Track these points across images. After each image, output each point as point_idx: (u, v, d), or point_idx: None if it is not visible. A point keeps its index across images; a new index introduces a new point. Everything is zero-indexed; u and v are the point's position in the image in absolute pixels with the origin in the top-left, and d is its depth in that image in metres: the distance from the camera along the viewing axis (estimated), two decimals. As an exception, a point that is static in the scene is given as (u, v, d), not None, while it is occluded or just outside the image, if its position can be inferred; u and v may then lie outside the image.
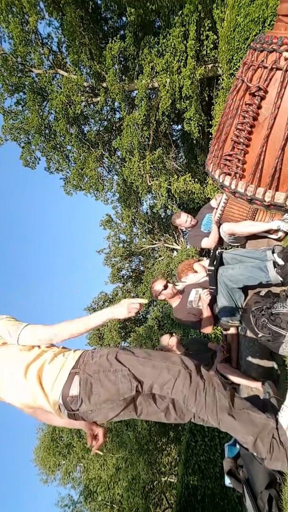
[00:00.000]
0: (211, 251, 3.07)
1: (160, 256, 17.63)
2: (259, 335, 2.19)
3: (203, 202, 10.48)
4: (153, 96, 10.74)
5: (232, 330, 3.05)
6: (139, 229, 17.56)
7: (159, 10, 9.02)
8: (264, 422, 1.55)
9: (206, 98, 10.31)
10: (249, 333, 2.68)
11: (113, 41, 9.26)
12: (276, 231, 2.89)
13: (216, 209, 3.27)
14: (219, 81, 8.50)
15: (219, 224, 3.30)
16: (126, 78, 10.16)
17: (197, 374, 1.60)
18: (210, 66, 9.29)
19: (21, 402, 1.62)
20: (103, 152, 12.72)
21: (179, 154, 14.98)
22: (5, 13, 9.34)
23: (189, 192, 10.71)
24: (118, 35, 9.91)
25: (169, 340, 3.23)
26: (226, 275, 2.73)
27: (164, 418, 1.72)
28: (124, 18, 10.56)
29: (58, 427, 13.46)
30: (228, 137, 1.17)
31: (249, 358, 2.80)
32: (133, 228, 17.21)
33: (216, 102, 8.00)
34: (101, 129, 12.76)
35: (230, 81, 5.72)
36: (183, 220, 3.73)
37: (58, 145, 12.41)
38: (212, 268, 2.81)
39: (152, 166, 10.61)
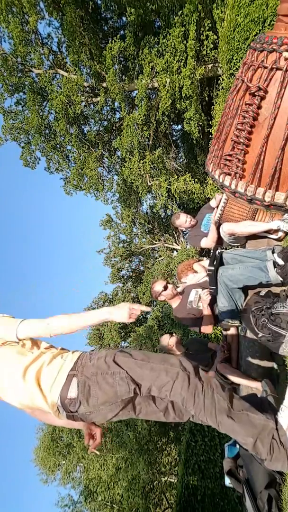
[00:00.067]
0: (211, 251, 3.07)
1: (160, 256, 17.63)
2: (259, 335, 2.19)
3: (203, 202, 10.47)
4: (153, 96, 10.74)
5: (232, 330, 3.05)
6: (139, 229, 17.57)
7: (159, 10, 9.01)
8: (264, 423, 1.55)
9: (206, 98, 10.31)
10: (249, 333, 2.68)
11: (113, 41, 9.26)
12: (276, 231, 2.89)
13: (216, 208, 3.27)
14: (219, 81, 8.51)
15: (219, 224, 3.30)
16: (126, 78, 10.16)
17: (195, 376, 1.59)
18: (210, 66, 9.29)
19: (21, 402, 1.62)
20: (103, 152, 12.72)
21: (179, 154, 14.97)
22: (5, 13, 9.34)
23: (189, 192, 10.71)
24: (118, 35, 9.91)
25: (169, 340, 3.23)
26: (226, 275, 2.73)
27: (163, 418, 1.72)
28: (124, 18, 10.56)
29: (58, 426, 13.47)
30: (228, 137, 1.17)
31: (249, 358, 2.80)
32: (133, 228, 17.22)
33: (216, 102, 8.00)
34: (101, 129, 12.76)
35: (230, 81, 5.72)
36: (183, 220, 3.74)
37: (58, 145, 12.40)
38: (212, 268, 2.81)
39: (152, 166, 10.61)
